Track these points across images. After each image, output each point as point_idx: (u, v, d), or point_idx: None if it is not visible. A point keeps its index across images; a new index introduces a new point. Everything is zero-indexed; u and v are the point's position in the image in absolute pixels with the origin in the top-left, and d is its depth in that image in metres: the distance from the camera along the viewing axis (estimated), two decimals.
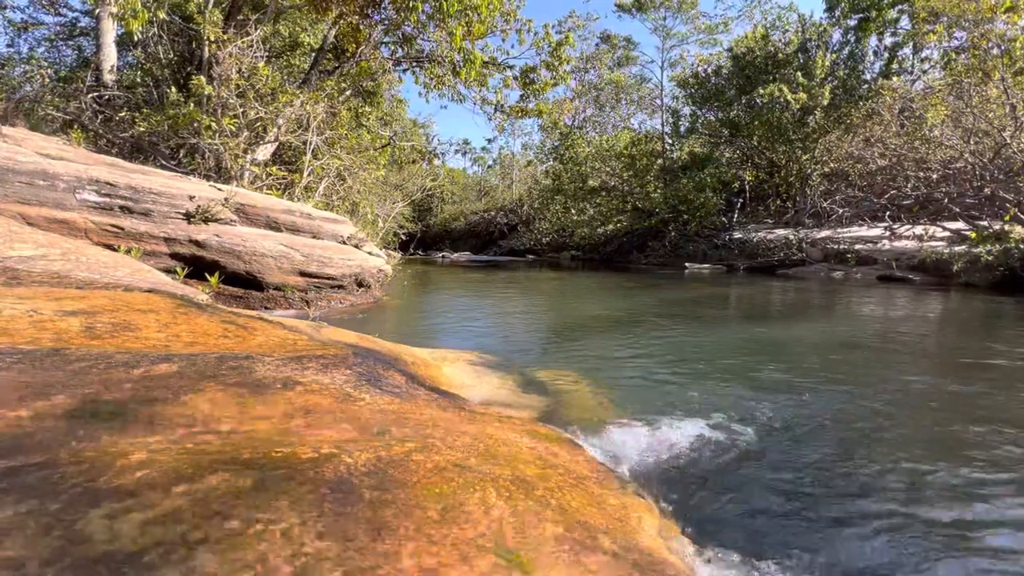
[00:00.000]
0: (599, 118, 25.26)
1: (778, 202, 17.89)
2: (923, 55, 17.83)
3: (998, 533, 1.46)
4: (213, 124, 7.46)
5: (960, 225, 10.66)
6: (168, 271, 4.33)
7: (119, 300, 1.89)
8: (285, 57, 11.58)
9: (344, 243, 6.20)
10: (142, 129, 7.67)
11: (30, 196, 4.10)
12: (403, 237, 20.14)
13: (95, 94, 8.44)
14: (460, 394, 2.22)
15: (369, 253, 6.41)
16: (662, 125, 21.10)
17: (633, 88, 24.76)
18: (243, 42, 8.06)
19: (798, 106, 14.94)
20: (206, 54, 8.01)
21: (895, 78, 16.47)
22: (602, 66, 24.55)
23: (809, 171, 16.03)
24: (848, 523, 1.49)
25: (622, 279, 11.09)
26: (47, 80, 9.99)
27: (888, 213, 12.48)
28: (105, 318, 1.61)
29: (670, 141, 20.48)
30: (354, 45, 9.68)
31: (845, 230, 13.42)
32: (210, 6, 7.89)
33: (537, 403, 2.39)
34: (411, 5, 8.44)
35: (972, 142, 11.20)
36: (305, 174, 8.63)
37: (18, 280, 1.98)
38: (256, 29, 8.45)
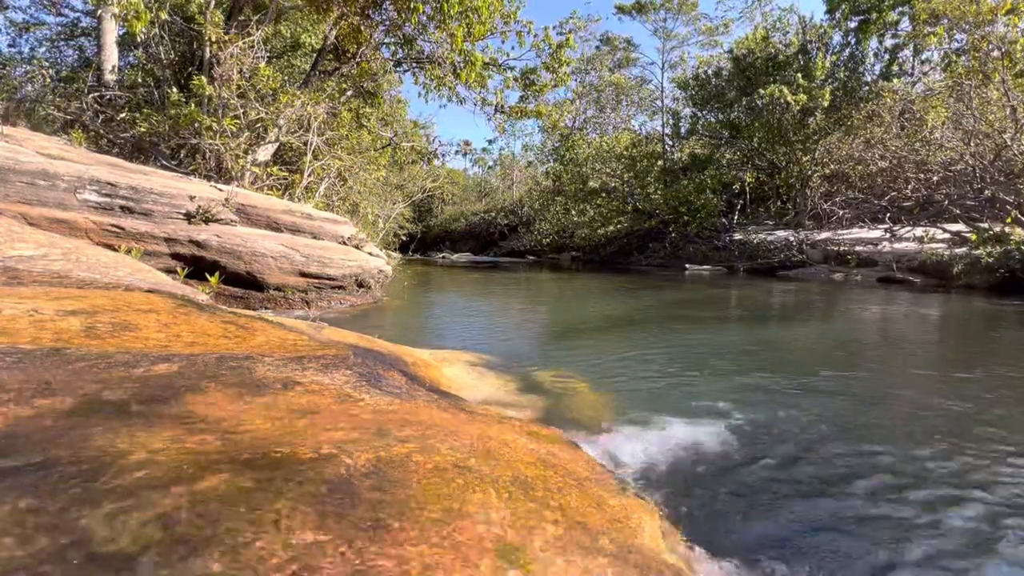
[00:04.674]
0: (599, 119, 25.27)
1: (778, 203, 17.90)
2: (923, 57, 17.85)
3: (995, 533, 1.45)
4: (214, 124, 7.47)
5: (960, 227, 10.65)
6: (168, 271, 4.33)
7: (119, 300, 1.89)
8: (286, 58, 11.60)
9: (344, 244, 6.20)
10: (143, 129, 7.67)
11: (31, 196, 4.10)
12: (403, 238, 20.16)
13: (96, 94, 8.45)
14: (460, 395, 2.21)
15: (369, 254, 6.41)
16: (662, 126, 21.12)
17: (633, 89, 24.77)
18: (244, 43, 8.07)
19: (798, 107, 14.94)
20: (207, 55, 8.01)
21: (895, 80, 16.46)
22: (603, 67, 24.57)
23: (809, 173, 16.03)
24: (848, 524, 1.49)
25: (622, 280, 11.08)
26: (48, 80, 10.01)
27: (888, 215, 12.48)
28: (105, 318, 1.60)
29: (670, 142, 20.49)
30: (355, 46, 9.69)
31: (845, 232, 13.42)
32: (212, 7, 7.89)
33: (537, 404, 2.38)
34: (412, 6, 8.45)
35: (972, 144, 11.19)
36: (306, 175, 8.64)
37: (19, 280, 1.99)
38: (257, 30, 8.46)
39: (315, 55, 10.27)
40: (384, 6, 9.40)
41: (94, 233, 4.29)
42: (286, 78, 9.72)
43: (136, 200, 4.68)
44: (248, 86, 8.01)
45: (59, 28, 12.50)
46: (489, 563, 0.78)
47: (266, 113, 8.07)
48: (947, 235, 10.84)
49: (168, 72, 8.76)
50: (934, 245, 10.73)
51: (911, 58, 17.90)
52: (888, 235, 12.16)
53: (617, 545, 1.00)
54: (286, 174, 8.60)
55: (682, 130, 20.23)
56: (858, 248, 12.08)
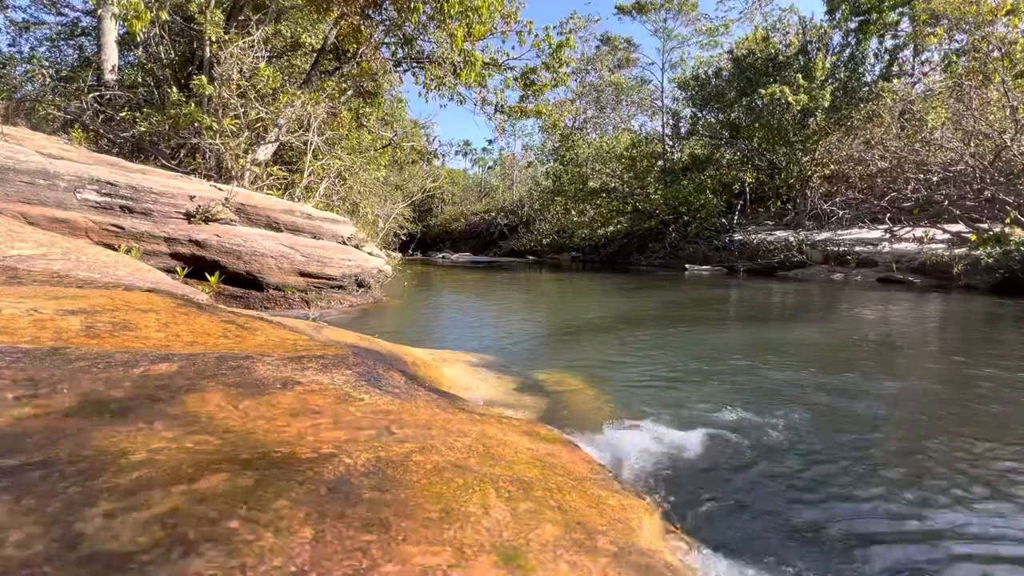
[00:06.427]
0: (599, 119, 25.29)
1: (778, 204, 17.89)
2: (923, 58, 17.85)
3: (996, 537, 1.45)
4: (214, 124, 7.47)
5: (960, 227, 10.65)
6: (168, 271, 4.33)
7: (119, 299, 1.89)
8: (286, 57, 11.58)
9: (344, 243, 6.20)
10: (143, 129, 7.68)
11: (31, 195, 4.10)
12: (403, 238, 20.13)
13: (96, 94, 8.45)
14: (460, 395, 2.21)
15: (369, 253, 6.41)
16: (662, 127, 21.12)
17: (633, 90, 24.79)
18: (244, 42, 8.07)
19: (799, 108, 14.94)
20: (207, 54, 8.01)
21: (896, 80, 16.46)
22: (603, 68, 24.58)
23: (809, 173, 16.03)
24: (847, 524, 1.49)
25: (622, 280, 11.08)
26: (48, 80, 10.01)
27: (888, 215, 12.47)
28: (105, 317, 1.60)
29: (670, 143, 20.49)
30: (355, 46, 9.68)
31: (845, 232, 13.42)
32: (212, 6, 7.89)
33: (537, 404, 2.38)
34: (412, 6, 8.45)
35: (972, 144, 11.19)
36: (306, 174, 8.64)
37: (18, 279, 1.99)
38: (257, 29, 8.46)
39: (315, 55, 10.27)
40: (384, 6, 9.40)
41: (94, 232, 4.29)
42: (286, 78, 9.72)
43: (136, 199, 4.68)
44: (248, 86, 8.00)
45: (59, 27, 12.49)
46: (489, 563, 0.78)
47: (266, 113, 8.07)
48: (947, 235, 10.84)
49: (168, 72, 8.75)
50: (934, 245, 10.73)
51: (911, 58, 17.89)
52: (888, 235, 12.15)
53: (617, 545, 1.00)
54: (286, 174, 8.60)
55: (682, 130, 20.23)
56: (858, 248, 12.08)
